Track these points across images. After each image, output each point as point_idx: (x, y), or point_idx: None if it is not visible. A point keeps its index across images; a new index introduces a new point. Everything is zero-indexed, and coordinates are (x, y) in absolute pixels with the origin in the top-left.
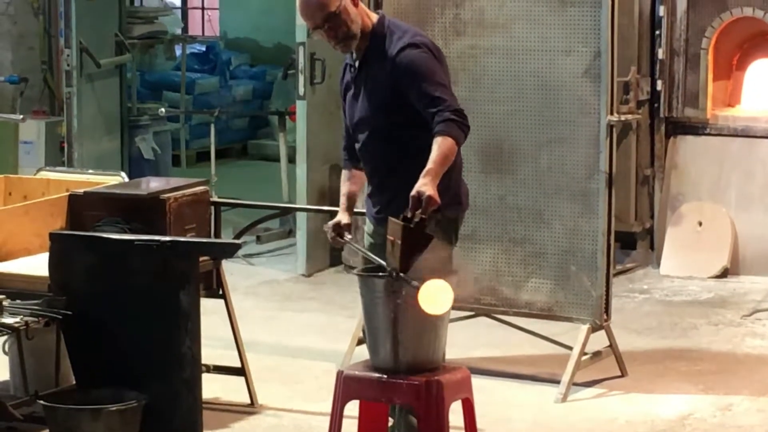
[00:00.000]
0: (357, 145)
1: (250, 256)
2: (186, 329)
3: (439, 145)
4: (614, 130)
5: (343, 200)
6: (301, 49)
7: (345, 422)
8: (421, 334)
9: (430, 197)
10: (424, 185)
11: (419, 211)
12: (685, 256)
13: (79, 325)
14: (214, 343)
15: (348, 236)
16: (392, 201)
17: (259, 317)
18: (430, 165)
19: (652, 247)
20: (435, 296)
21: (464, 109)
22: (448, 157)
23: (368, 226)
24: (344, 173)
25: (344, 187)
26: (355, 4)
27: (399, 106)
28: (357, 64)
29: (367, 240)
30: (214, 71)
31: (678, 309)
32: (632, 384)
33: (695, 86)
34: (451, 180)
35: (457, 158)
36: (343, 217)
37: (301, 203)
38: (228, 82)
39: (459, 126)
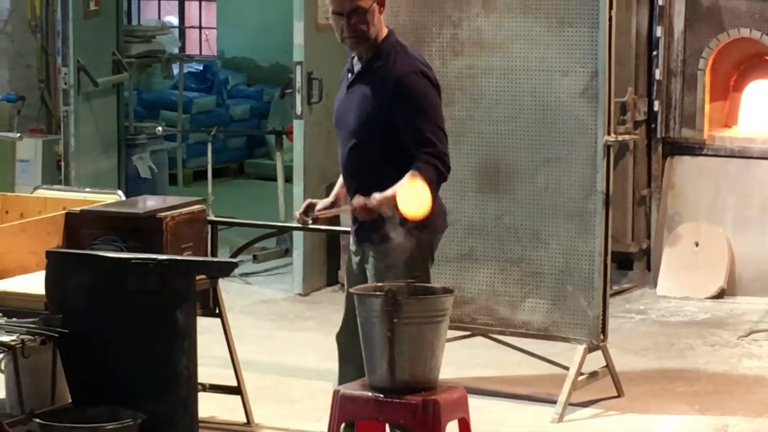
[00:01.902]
0: (338, 150)
1: (247, 275)
2: (182, 348)
3: (411, 175)
4: (611, 150)
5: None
6: (298, 69)
7: None
8: (418, 354)
9: (365, 207)
10: (375, 199)
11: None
12: (682, 276)
13: (76, 344)
14: (210, 361)
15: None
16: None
17: (255, 336)
18: (391, 191)
19: (648, 268)
20: (413, 198)
21: (447, 153)
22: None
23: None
24: None
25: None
26: (380, 9)
27: (385, 125)
28: (356, 70)
29: (349, 254)
30: (212, 90)
31: (674, 329)
32: (628, 404)
33: (692, 107)
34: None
35: None
36: (323, 200)
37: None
38: (225, 102)
39: (437, 173)
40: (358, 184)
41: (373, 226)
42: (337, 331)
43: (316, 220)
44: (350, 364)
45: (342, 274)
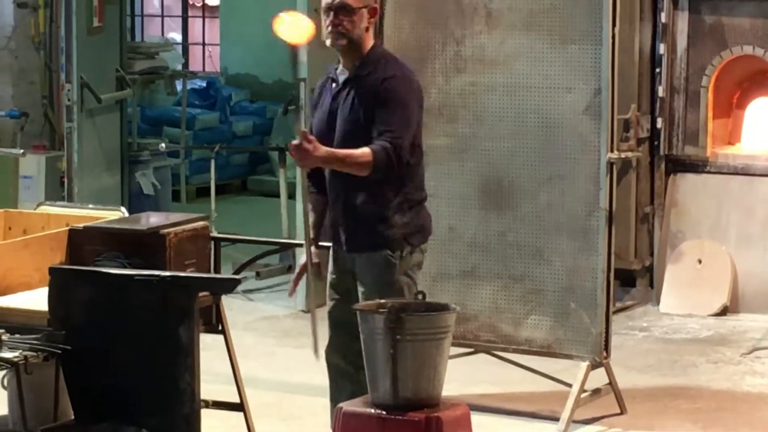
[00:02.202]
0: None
1: (250, 291)
2: (185, 364)
3: (359, 153)
4: (614, 167)
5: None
6: (301, 86)
7: None
8: (421, 370)
9: (302, 149)
10: (323, 155)
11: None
12: (685, 293)
13: (79, 360)
14: (213, 378)
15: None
16: (354, 227)
17: (258, 353)
18: (336, 150)
19: (651, 285)
20: (293, 26)
21: (406, 153)
22: (350, 164)
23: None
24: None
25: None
26: (370, 19)
27: (359, 131)
28: (341, 79)
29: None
30: (215, 107)
31: (677, 347)
32: (631, 422)
33: (695, 124)
34: (405, 215)
35: (417, 194)
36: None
37: (300, 239)
38: (228, 118)
39: (387, 158)
40: (345, 195)
41: (364, 236)
42: (325, 349)
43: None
44: (344, 380)
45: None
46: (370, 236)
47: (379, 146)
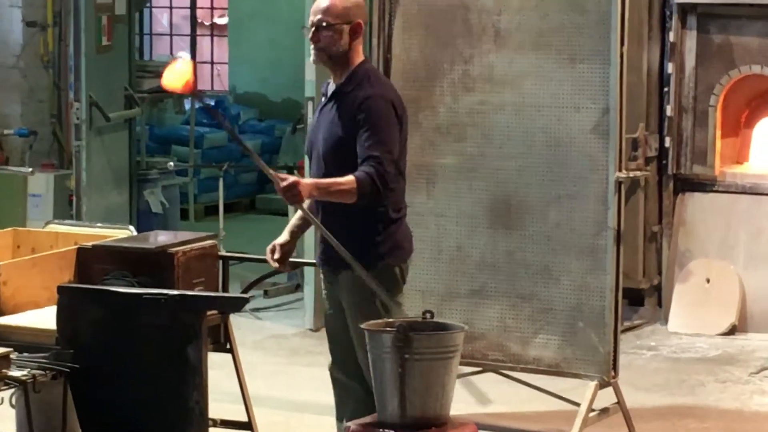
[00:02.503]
0: (310, 174)
1: (258, 310)
2: (193, 383)
3: (344, 181)
4: (622, 186)
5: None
6: (309, 104)
7: None
8: (429, 389)
9: (287, 186)
10: (313, 187)
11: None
12: (693, 313)
13: (87, 379)
14: (221, 397)
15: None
16: (328, 251)
17: (266, 372)
18: (321, 180)
19: (659, 304)
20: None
21: (392, 176)
22: (335, 193)
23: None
24: None
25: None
26: (354, 35)
27: (351, 148)
28: (329, 94)
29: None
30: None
31: (686, 366)
32: None
33: (703, 143)
34: (387, 230)
35: (393, 213)
36: (281, 238)
37: (309, 258)
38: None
39: (372, 185)
40: (325, 208)
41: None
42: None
43: (284, 259)
44: (347, 395)
45: None
46: (339, 256)
47: (363, 173)
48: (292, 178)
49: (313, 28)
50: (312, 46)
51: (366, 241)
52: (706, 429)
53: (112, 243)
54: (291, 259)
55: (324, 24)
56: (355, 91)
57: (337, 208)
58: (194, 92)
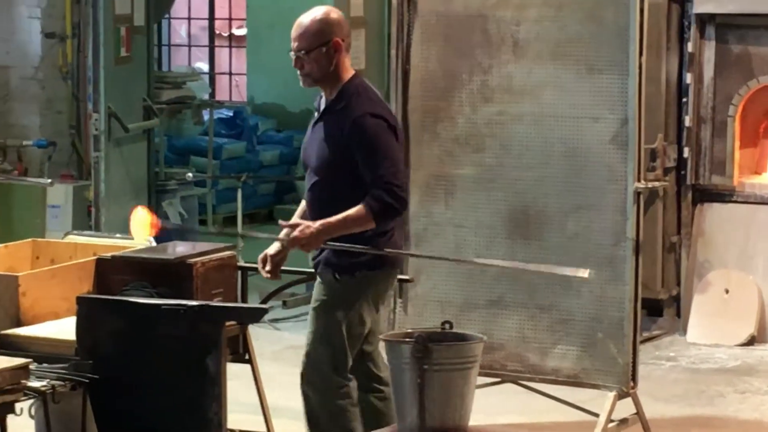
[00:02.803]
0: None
1: (277, 321)
2: (212, 394)
3: (354, 212)
4: (641, 197)
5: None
6: None
7: None
8: (448, 400)
9: (295, 239)
10: (308, 229)
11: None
12: (712, 323)
13: (106, 390)
14: (240, 408)
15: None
16: (321, 252)
17: (285, 382)
18: (331, 219)
19: (678, 315)
20: (142, 222)
21: (404, 187)
22: (350, 226)
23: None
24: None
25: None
26: (335, 53)
27: (342, 165)
28: (321, 109)
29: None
30: (241, 136)
31: (705, 377)
32: None
33: (722, 154)
34: (377, 241)
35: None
36: (272, 248)
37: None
38: (255, 147)
39: (386, 208)
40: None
41: (330, 259)
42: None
43: (276, 270)
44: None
45: None
46: (325, 257)
47: (371, 198)
48: (295, 236)
49: (295, 56)
50: (298, 72)
51: (355, 251)
52: None
53: (131, 254)
54: (283, 268)
55: (302, 52)
56: (345, 109)
57: (321, 193)
58: (160, 230)
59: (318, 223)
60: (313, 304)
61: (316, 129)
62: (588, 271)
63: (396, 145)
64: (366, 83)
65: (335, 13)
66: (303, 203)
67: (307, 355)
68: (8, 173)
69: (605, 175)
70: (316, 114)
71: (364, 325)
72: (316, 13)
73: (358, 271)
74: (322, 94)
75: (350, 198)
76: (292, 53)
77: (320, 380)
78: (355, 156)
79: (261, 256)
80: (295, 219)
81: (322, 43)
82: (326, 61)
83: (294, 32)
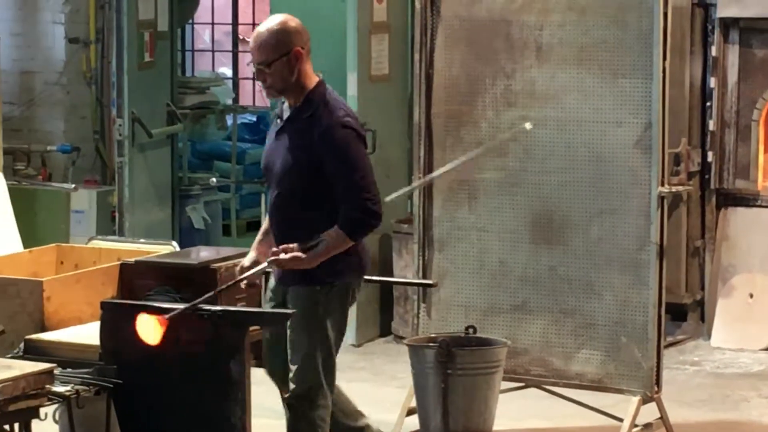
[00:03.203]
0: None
1: None
2: (236, 399)
3: (333, 238)
4: (665, 201)
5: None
6: None
7: None
8: (472, 404)
9: (298, 259)
10: (300, 262)
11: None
12: (737, 328)
13: (130, 395)
14: (263, 413)
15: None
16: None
17: None
18: (318, 250)
19: (702, 319)
20: (149, 327)
21: (376, 198)
22: (333, 252)
23: (271, 282)
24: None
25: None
26: (294, 62)
27: (308, 175)
28: (285, 117)
29: (267, 295)
30: (265, 141)
31: (729, 381)
32: None
33: (746, 158)
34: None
35: None
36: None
37: None
38: None
39: (360, 225)
40: (281, 233)
41: (295, 271)
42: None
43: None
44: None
45: (395, 325)
46: (301, 271)
47: (345, 220)
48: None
49: (257, 69)
50: (261, 84)
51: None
52: None
53: (154, 259)
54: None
55: (263, 64)
56: (313, 117)
57: (296, 230)
58: (167, 318)
59: (306, 257)
60: (295, 317)
61: (281, 137)
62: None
63: (365, 154)
64: (331, 91)
65: (293, 22)
66: (266, 222)
67: (299, 368)
68: (32, 178)
69: (629, 180)
70: (278, 121)
71: (343, 334)
72: (274, 23)
73: (338, 280)
74: (284, 101)
75: (310, 208)
76: (253, 66)
77: (311, 392)
78: (324, 165)
79: (237, 268)
80: (260, 236)
81: (282, 53)
82: (288, 72)
83: (252, 45)
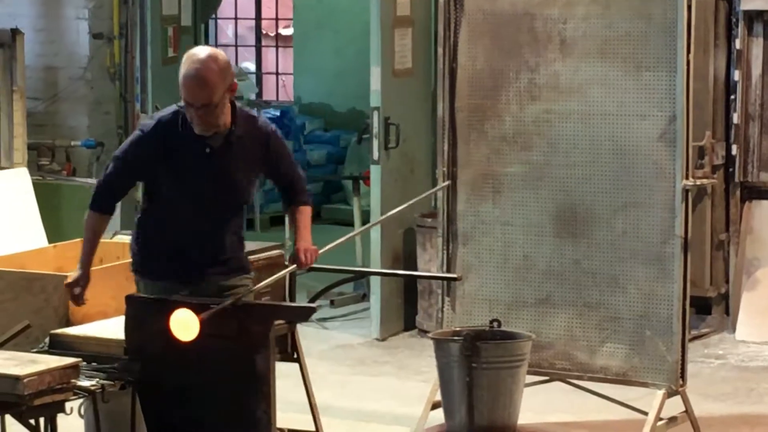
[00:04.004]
0: (190, 223)
1: (324, 320)
2: (261, 393)
3: (308, 215)
4: (689, 194)
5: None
6: (375, 114)
7: None
8: (496, 398)
9: (317, 250)
10: (310, 243)
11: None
12: (761, 321)
13: (155, 389)
14: (288, 407)
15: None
16: (225, 258)
17: (333, 381)
18: (306, 230)
19: (727, 312)
20: (184, 324)
21: None
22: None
23: (153, 286)
24: (98, 218)
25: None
26: (231, 94)
27: (252, 184)
28: (213, 142)
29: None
30: (289, 136)
31: (754, 375)
32: None
33: None
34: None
35: None
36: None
37: (375, 267)
38: (302, 147)
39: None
40: (213, 236)
41: (234, 263)
42: None
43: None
44: None
45: (419, 319)
46: (244, 261)
47: (305, 196)
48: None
49: (197, 108)
50: (196, 122)
51: (244, 253)
52: None
53: None
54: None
55: (207, 105)
56: (252, 130)
57: (231, 227)
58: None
59: (309, 242)
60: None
61: (219, 163)
62: None
63: None
64: (234, 102)
65: (221, 54)
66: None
67: None
68: (57, 173)
69: (653, 173)
70: (207, 150)
71: None
72: (213, 63)
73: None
74: (181, 126)
75: (240, 214)
76: (195, 109)
77: None
78: (274, 168)
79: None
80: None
81: (225, 89)
82: (226, 104)
83: (198, 88)
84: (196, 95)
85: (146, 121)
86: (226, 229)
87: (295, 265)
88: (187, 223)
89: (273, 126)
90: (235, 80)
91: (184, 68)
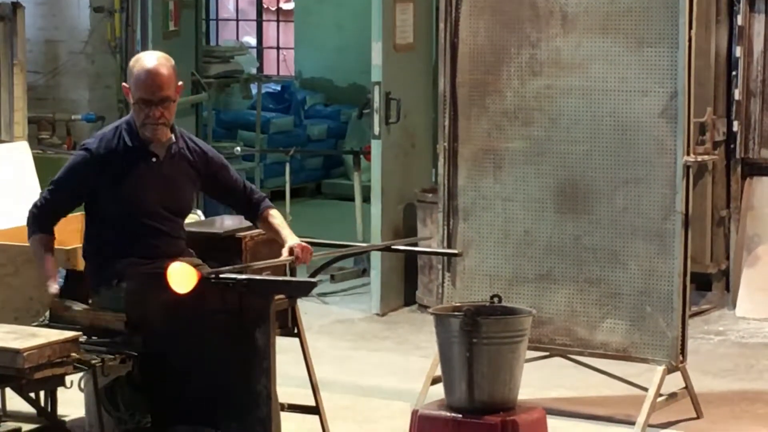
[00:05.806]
0: (130, 227)
1: (325, 295)
2: (261, 367)
3: (279, 215)
4: (690, 170)
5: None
6: (376, 89)
7: None
8: (497, 374)
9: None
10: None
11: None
12: (762, 297)
13: (155, 363)
14: (288, 381)
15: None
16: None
17: (333, 356)
18: (288, 228)
19: (727, 289)
20: (181, 275)
21: None
22: None
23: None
24: (44, 237)
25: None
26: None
27: (192, 197)
28: (158, 152)
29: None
30: (289, 111)
31: (754, 351)
32: (708, 426)
33: None
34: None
35: None
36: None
37: (375, 242)
38: (303, 122)
39: None
40: (171, 253)
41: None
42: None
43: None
44: None
45: (420, 295)
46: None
47: (264, 200)
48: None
49: (152, 105)
50: (149, 122)
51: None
52: None
53: None
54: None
55: (166, 99)
56: (186, 144)
57: (178, 233)
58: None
59: (299, 240)
60: None
61: (166, 175)
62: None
63: None
64: None
65: (168, 56)
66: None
67: None
68: (57, 147)
69: (654, 149)
70: (153, 160)
71: None
72: (164, 60)
73: None
74: (129, 138)
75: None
76: (155, 106)
77: None
78: (223, 175)
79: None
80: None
81: (176, 88)
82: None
83: (156, 82)
84: (155, 90)
85: (88, 140)
86: (174, 235)
87: (293, 257)
88: (134, 236)
89: (203, 143)
90: (180, 83)
91: (136, 69)
